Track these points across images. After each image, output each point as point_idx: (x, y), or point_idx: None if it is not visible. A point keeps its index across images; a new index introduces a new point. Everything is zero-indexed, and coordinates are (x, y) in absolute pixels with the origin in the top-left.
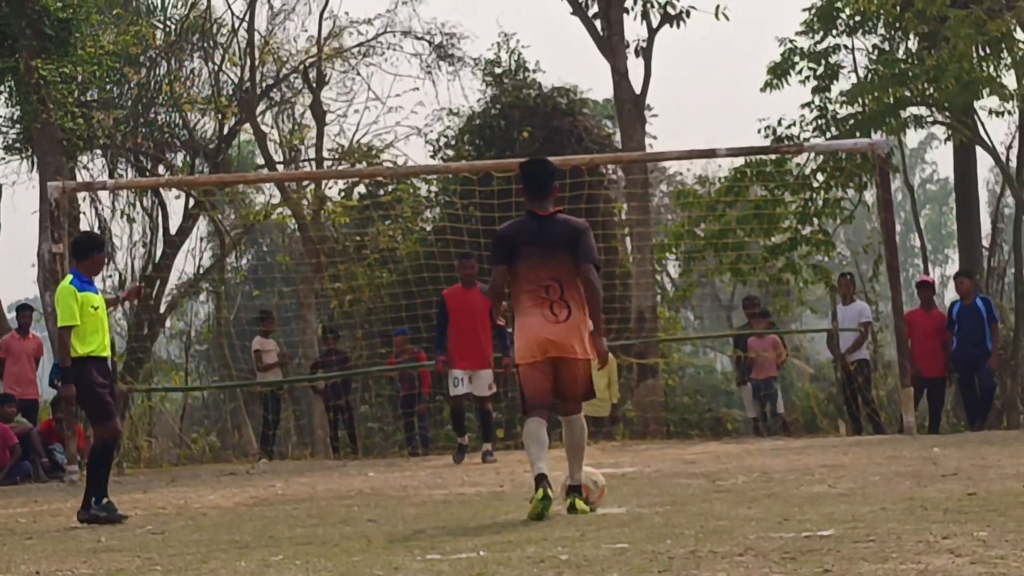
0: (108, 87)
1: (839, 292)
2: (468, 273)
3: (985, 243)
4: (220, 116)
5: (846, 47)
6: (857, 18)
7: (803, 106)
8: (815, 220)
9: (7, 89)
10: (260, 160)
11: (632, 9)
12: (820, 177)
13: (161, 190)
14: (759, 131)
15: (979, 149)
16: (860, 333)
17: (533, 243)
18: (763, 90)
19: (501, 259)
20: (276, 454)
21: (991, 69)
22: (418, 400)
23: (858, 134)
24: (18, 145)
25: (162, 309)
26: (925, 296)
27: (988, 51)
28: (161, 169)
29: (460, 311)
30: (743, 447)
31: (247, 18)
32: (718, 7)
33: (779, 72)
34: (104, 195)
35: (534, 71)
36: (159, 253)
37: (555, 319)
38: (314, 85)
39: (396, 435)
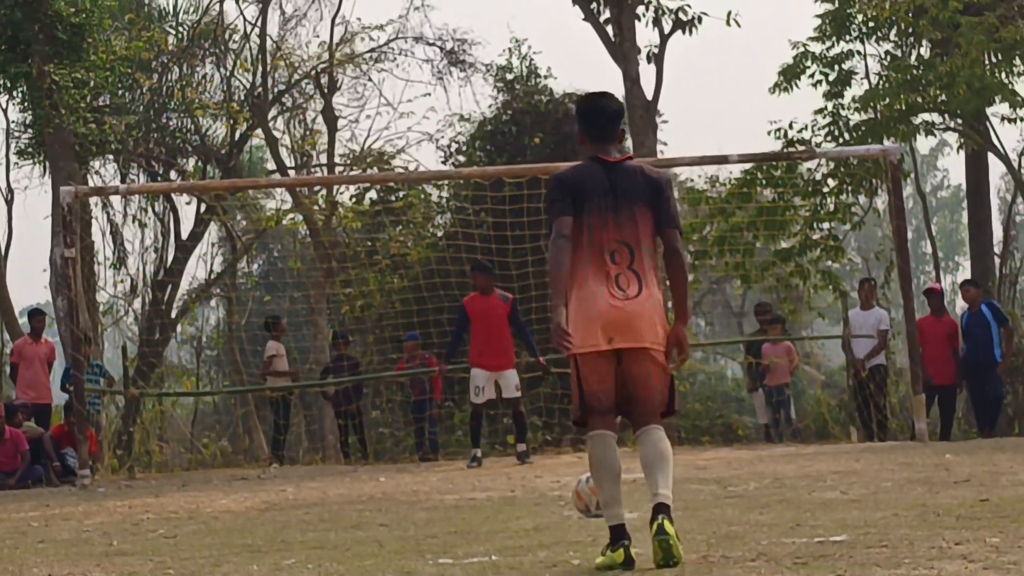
0: (120, 92)
1: (859, 296)
2: (482, 283)
3: (997, 250)
4: (232, 121)
5: (859, 53)
6: (870, 24)
7: (816, 112)
8: (825, 225)
9: (20, 94)
10: (271, 165)
11: (644, 15)
12: (831, 182)
13: (173, 195)
14: (769, 132)
15: (991, 156)
16: (880, 341)
17: (601, 195)
18: (772, 91)
19: (565, 208)
20: (287, 459)
21: (1003, 76)
22: (430, 405)
23: (870, 140)
24: (30, 150)
25: (173, 314)
26: (934, 303)
27: (1000, 58)
28: (173, 174)
29: (481, 316)
30: (754, 453)
31: (259, 24)
32: (729, 13)
33: (790, 74)
34: (116, 200)
35: (545, 77)
36: (170, 258)
37: (622, 295)
38: (326, 91)
39: (407, 440)
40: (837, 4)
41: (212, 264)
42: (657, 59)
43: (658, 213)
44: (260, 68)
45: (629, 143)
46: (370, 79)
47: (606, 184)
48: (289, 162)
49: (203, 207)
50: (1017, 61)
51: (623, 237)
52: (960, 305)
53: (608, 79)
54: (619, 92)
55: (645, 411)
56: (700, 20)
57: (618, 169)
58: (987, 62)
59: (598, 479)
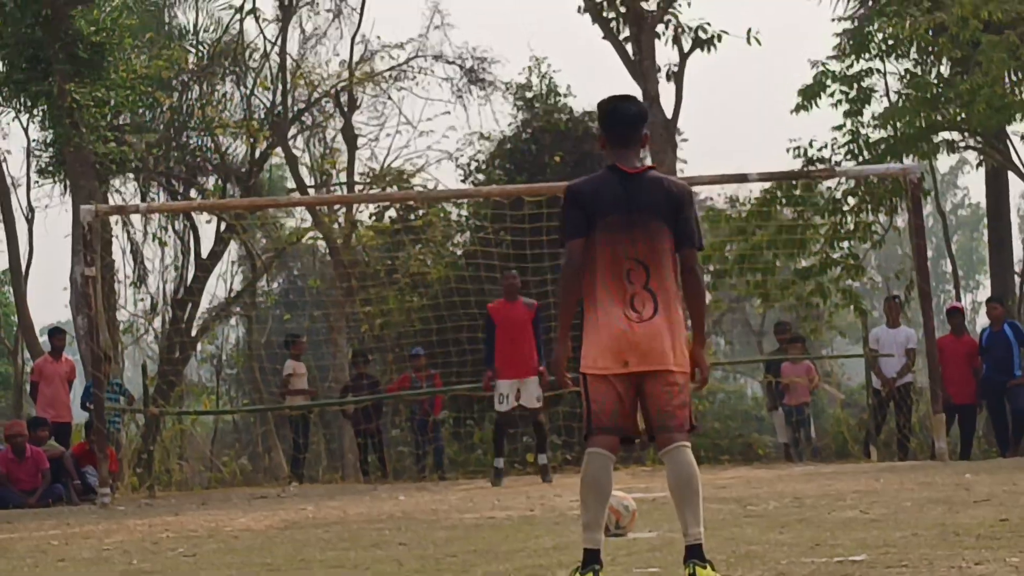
0: (140, 111)
1: (886, 314)
2: (511, 284)
3: (1017, 268)
4: (252, 140)
5: (878, 71)
6: (890, 42)
7: (835, 129)
8: (845, 244)
9: (40, 112)
10: (291, 184)
11: (663, 34)
12: (851, 200)
13: (193, 214)
14: (788, 150)
15: (1011, 174)
16: (908, 359)
17: (616, 210)
18: (794, 112)
19: (576, 230)
20: (306, 478)
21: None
22: (429, 424)
23: (890, 158)
24: (51, 169)
25: (193, 333)
26: (955, 322)
27: (1021, 76)
28: (193, 193)
29: (505, 323)
30: (774, 472)
31: (279, 42)
32: (749, 31)
33: (810, 95)
34: (136, 219)
35: (565, 95)
36: (190, 277)
37: (637, 317)
38: (345, 109)
39: (425, 459)
40: (856, 23)
41: (232, 282)
42: (677, 77)
43: (676, 230)
44: (280, 87)
45: (647, 161)
46: (390, 97)
47: (622, 198)
48: (309, 181)
49: (223, 226)
50: None
51: (638, 255)
52: (979, 323)
53: None
54: None
55: (669, 427)
56: (720, 38)
57: (636, 181)
58: (1008, 80)
59: (585, 498)
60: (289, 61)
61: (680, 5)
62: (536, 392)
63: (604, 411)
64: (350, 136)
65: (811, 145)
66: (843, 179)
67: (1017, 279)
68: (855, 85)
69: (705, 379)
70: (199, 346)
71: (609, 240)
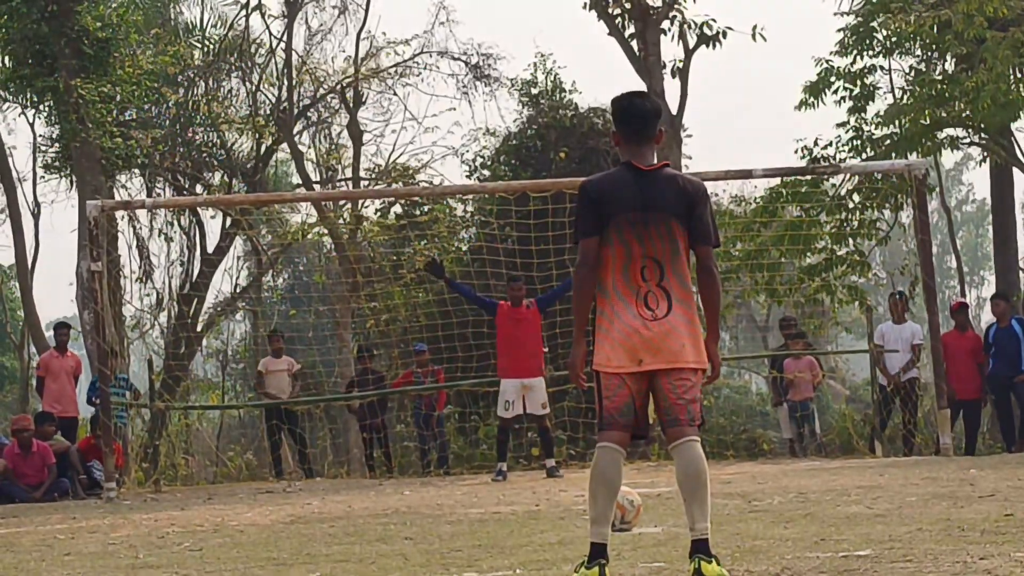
0: (146, 107)
1: (891, 311)
2: (516, 295)
3: (1022, 264)
4: (257, 136)
5: (882, 68)
6: (894, 39)
7: (838, 126)
8: (850, 241)
9: (47, 108)
10: (297, 180)
11: (668, 30)
12: (856, 198)
13: (198, 209)
14: (796, 151)
15: (1016, 170)
16: (913, 355)
17: (630, 207)
18: (798, 108)
19: (590, 229)
20: (313, 472)
21: None
22: (433, 420)
23: (894, 155)
24: (57, 164)
25: (199, 328)
26: (960, 318)
27: None
28: (199, 188)
29: (509, 323)
30: (779, 467)
31: (285, 38)
32: (755, 28)
33: (814, 91)
34: (142, 214)
35: (570, 91)
36: (196, 272)
37: (651, 315)
38: (351, 105)
39: (431, 454)
40: (860, 18)
41: (237, 278)
42: (682, 73)
43: (691, 228)
44: (286, 82)
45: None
46: (395, 93)
47: (636, 196)
48: (314, 176)
49: (229, 221)
50: None
51: (652, 253)
52: (984, 319)
53: None
54: None
55: (680, 421)
56: (725, 35)
57: (651, 178)
58: (1012, 77)
59: (594, 491)
60: (295, 57)
61: (685, 1)
62: (542, 398)
63: (616, 407)
64: (355, 132)
65: (816, 143)
66: (848, 176)
67: (1022, 275)
68: (859, 82)
69: (717, 375)
70: (205, 341)
71: (623, 238)
